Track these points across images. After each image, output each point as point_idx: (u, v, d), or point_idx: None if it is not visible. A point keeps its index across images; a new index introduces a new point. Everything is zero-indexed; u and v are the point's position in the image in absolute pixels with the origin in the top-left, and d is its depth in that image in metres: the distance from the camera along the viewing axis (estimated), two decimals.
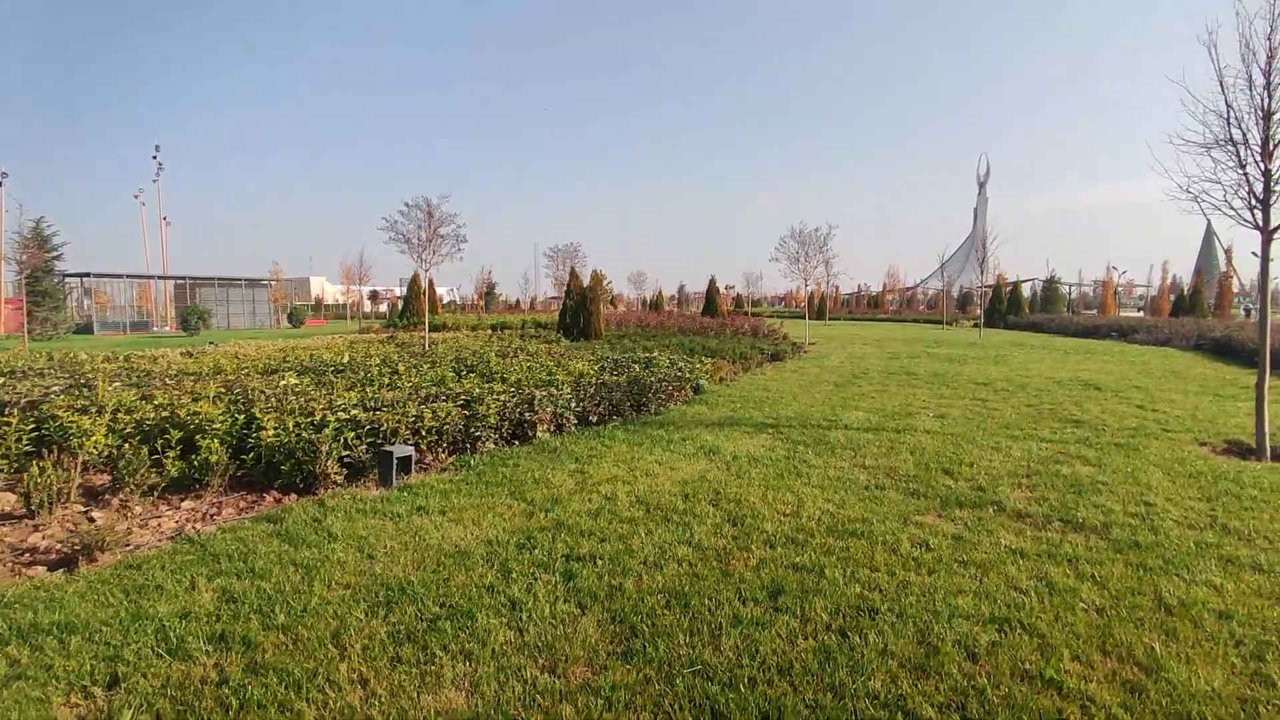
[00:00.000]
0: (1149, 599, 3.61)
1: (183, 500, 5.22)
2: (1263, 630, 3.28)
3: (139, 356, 12.59)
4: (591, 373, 9.83)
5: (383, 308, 67.97)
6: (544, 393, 7.54)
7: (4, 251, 20.29)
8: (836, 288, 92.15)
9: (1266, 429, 6.92)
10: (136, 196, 54.73)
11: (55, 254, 27.50)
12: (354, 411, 6.04)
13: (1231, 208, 7.20)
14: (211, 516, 4.94)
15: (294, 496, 5.35)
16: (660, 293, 59.21)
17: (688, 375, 10.24)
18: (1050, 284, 49.78)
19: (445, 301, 78.12)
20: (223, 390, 7.27)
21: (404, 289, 74.97)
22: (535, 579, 3.74)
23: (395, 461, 5.55)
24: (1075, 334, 29.69)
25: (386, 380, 8.60)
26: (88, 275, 40.78)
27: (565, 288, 24.87)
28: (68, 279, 42.04)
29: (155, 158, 54.99)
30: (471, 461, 6.28)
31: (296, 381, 7.99)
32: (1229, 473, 6.18)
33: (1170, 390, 11.32)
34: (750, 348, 16.88)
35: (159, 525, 4.73)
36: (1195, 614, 3.43)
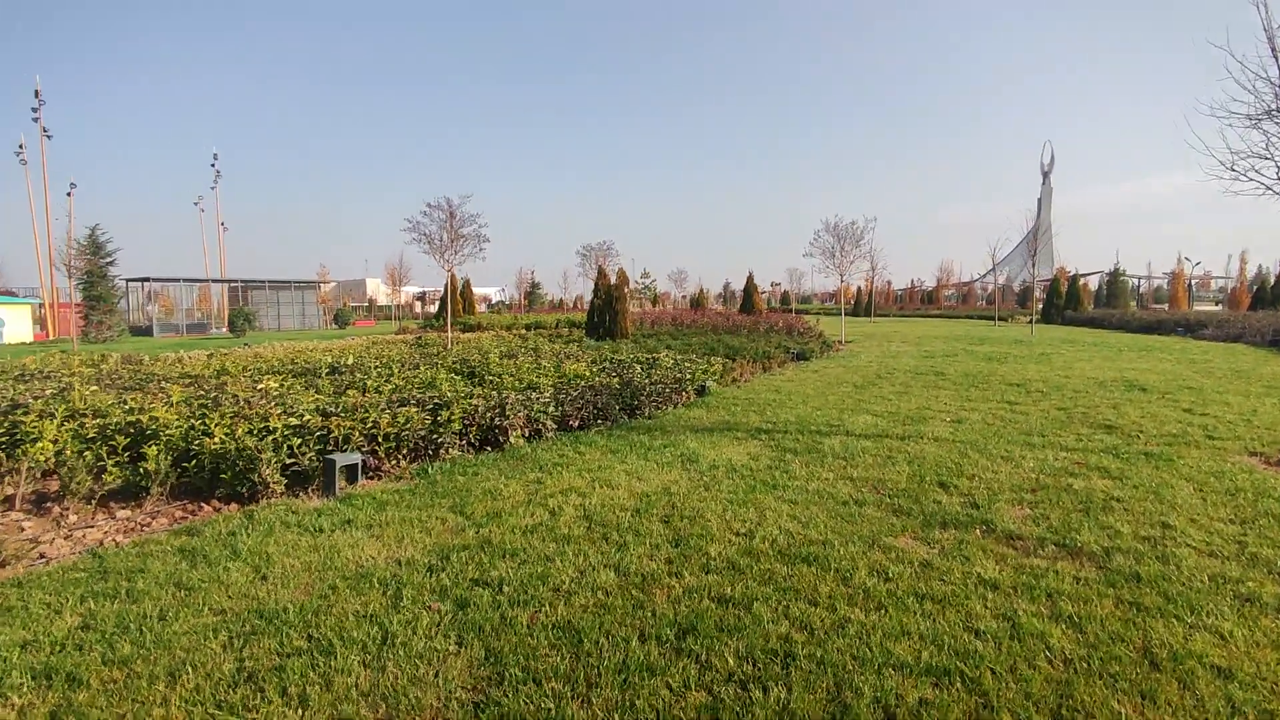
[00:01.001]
0: (1133, 649, 3.03)
1: (121, 509, 5.08)
2: (1270, 696, 2.68)
3: (160, 359, 12.85)
4: (587, 374, 9.48)
5: (432, 308, 69.12)
6: (521, 397, 7.22)
7: (69, 258, 21.15)
8: (888, 283, 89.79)
9: None
10: (196, 203, 57.04)
11: (109, 259, 28.73)
12: (307, 417, 5.82)
13: None
14: (143, 527, 4.77)
15: (234, 506, 5.15)
16: (702, 290, 58.51)
17: (688, 377, 9.77)
18: (1115, 277, 47.16)
19: (495, 302, 79.20)
20: (197, 395, 7.19)
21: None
22: (426, 607, 3.39)
23: (338, 470, 5.30)
24: (1138, 330, 27.92)
25: (373, 383, 8.42)
26: (147, 279, 42.60)
27: (594, 286, 24.62)
28: (129, 283, 44.24)
29: (214, 165, 57.22)
30: (430, 469, 6.00)
31: (277, 385, 7.87)
32: (1276, 489, 5.41)
33: (1228, 392, 10.28)
34: (775, 346, 16.28)
35: (84, 536, 4.58)
36: (1186, 670, 2.84)
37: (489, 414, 6.72)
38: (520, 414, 6.91)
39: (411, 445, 6.18)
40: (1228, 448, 6.88)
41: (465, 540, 4.33)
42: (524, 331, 28.36)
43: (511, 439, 6.85)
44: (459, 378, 9.13)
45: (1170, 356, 15.70)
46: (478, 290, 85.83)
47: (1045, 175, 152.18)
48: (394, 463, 6.09)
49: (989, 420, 8.32)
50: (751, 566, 3.93)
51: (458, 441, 6.46)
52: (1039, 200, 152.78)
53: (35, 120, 42.56)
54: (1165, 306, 49.06)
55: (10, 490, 5.32)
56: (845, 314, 59.85)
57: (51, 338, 33.71)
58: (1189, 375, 12.13)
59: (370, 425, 5.93)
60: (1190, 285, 60.02)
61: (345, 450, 5.68)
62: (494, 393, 7.44)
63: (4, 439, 5.87)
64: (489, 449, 6.80)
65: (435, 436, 6.28)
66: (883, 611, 3.36)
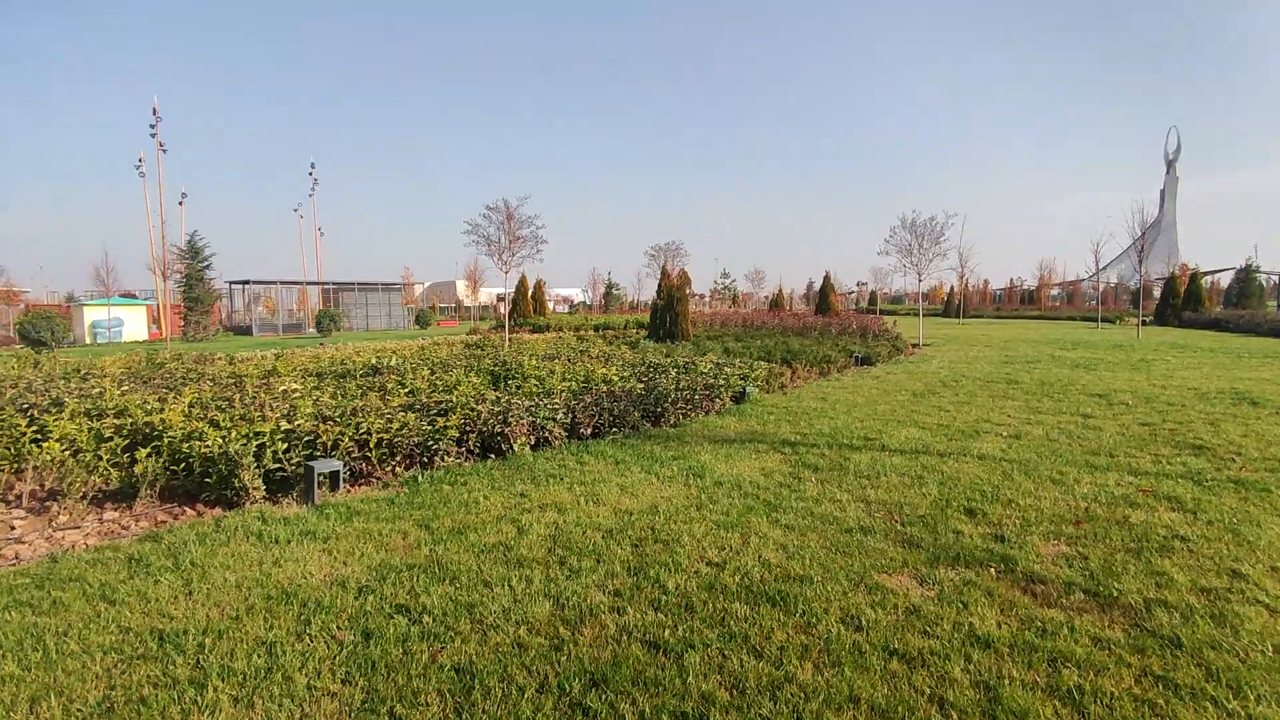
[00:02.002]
0: None
1: (111, 510, 5.15)
2: None
3: (233, 359, 13.50)
4: (616, 378, 9.15)
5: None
6: (529, 403, 6.97)
7: (164, 262, 22.91)
8: (985, 282, 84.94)
9: None
10: (296, 210, 60.70)
11: (205, 263, 30.83)
12: (299, 422, 5.76)
13: None
14: (121, 530, 4.80)
15: (218, 510, 5.13)
16: (780, 291, 56.88)
17: (722, 383, 9.26)
18: (1247, 273, 42.41)
19: (577, 302, 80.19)
20: (218, 396, 7.34)
21: (553, 289, 77.84)
22: (331, 636, 3.14)
23: (317, 477, 5.19)
24: (1269, 333, 24.89)
25: (395, 384, 8.40)
26: (248, 282, 45.61)
27: (657, 287, 24.27)
28: (233, 285, 47.55)
29: (311, 174, 60.77)
30: (421, 478, 5.82)
31: (300, 387, 7.97)
32: None
33: None
34: (839, 350, 15.43)
35: (64, 537, 4.64)
36: None
37: (491, 421, 6.49)
38: (524, 421, 6.65)
39: (406, 452, 6.03)
40: None
41: (415, 559, 4.08)
42: (591, 332, 28.41)
43: (516, 447, 6.60)
44: (485, 381, 9.00)
45: None
46: (561, 291, 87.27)
47: (1169, 164, 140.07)
48: (388, 469, 5.96)
49: (1053, 436, 7.40)
50: (707, 604, 3.47)
51: (455, 449, 6.26)
52: (1161, 192, 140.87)
53: (153, 135, 46.53)
54: None
55: (27, 487, 5.53)
56: (929, 315, 56.96)
57: (163, 336, 36.65)
58: None
59: (363, 431, 5.81)
60: None
61: (334, 456, 5.57)
62: (507, 397, 7.23)
63: (36, 435, 6.13)
64: (493, 456, 6.58)
65: (431, 443, 6.11)
66: (836, 670, 2.84)
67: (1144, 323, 36.02)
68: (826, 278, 34.81)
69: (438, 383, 8.58)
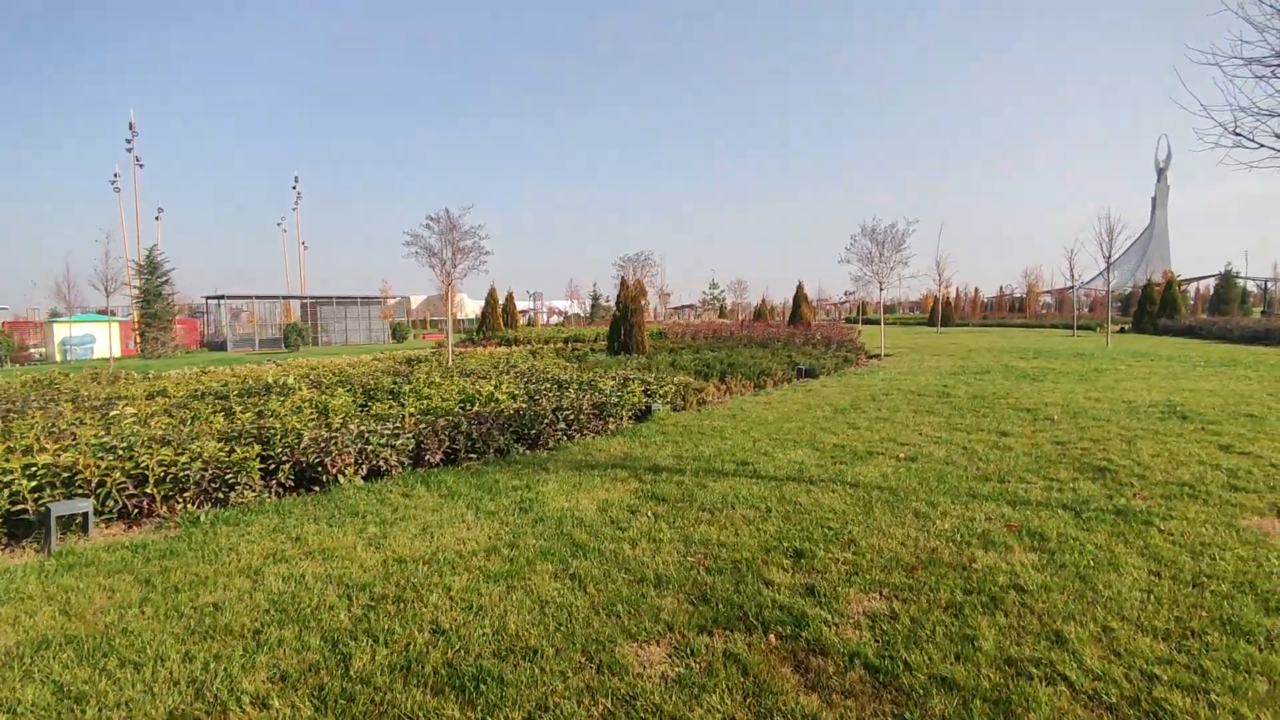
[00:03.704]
0: None
1: None
2: None
3: (154, 377, 12.85)
4: (501, 397, 8.51)
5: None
6: (363, 428, 6.31)
7: (105, 277, 22.22)
8: (976, 289, 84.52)
9: None
10: (279, 224, 60.25)
11: (163, 279, 30.19)
12: (64, 456, 5.10)
13: None
14: None
15: None
16: (764, 302, 56.49)
17: (615, 400, 8.61)
18: (1226, 280, 42.01)
19: (570, 314, 79.37)
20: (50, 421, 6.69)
21: (531, 303, 77.22)
22: None
23: (55, 520, 4.53)
24: (1240, 339, 24.36)
25: (254, 407, 7.75)
26: (223, 297, 44.97)
27: (616, 299, 23.66)
28: (209, 300, 46.93)
29: (294, 187, 60.42)
30: (204, 518, 5.16)
31: (134, 410, 7.31)
32: (1277, 568, 3.80)
33: None
34: (782, 363, 14.82)
35: None
36: None
37: (311, 451, 5.84)
38: (350, 451, 5.99)
39: (202, 487, 5.37)
40: (1248, 504, 5.15)
41: (85, 629, 3.42)
42: (561, 345, 27.80)
43: (343, 479, 5.95)
44: (357, 400, 8.36)
45: (1253, 374, 13.14)
46: (555, 304, 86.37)
47: (1160, 172, 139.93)
48: (179, 506, 5.30)
49: (953, 458, 6.76)
50: (378, 694, 2.81)
51: (260, 482, 5.60)
52: (1153, 199, 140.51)
53: (129, 150, 46.10)
54: None
55: None
56: (915, 324, 56.38)
57: (109, 355, 35.91)
58: (1260, 398, 9.88)
59: (142, 466, 5.15)
60: None
61: (102, 493, 4.92)
62: (339, 421, 6.58)
63: None
64: (317, 489, 5.93)
65: (230, 477, 5.45)
66: None
67: (1122, 330, 35.51)
68: (800, 288, 34.40)
69: (309, 402, 7.92)
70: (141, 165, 47.23)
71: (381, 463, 6.19)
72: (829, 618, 3.43)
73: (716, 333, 27.42)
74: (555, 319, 75.53)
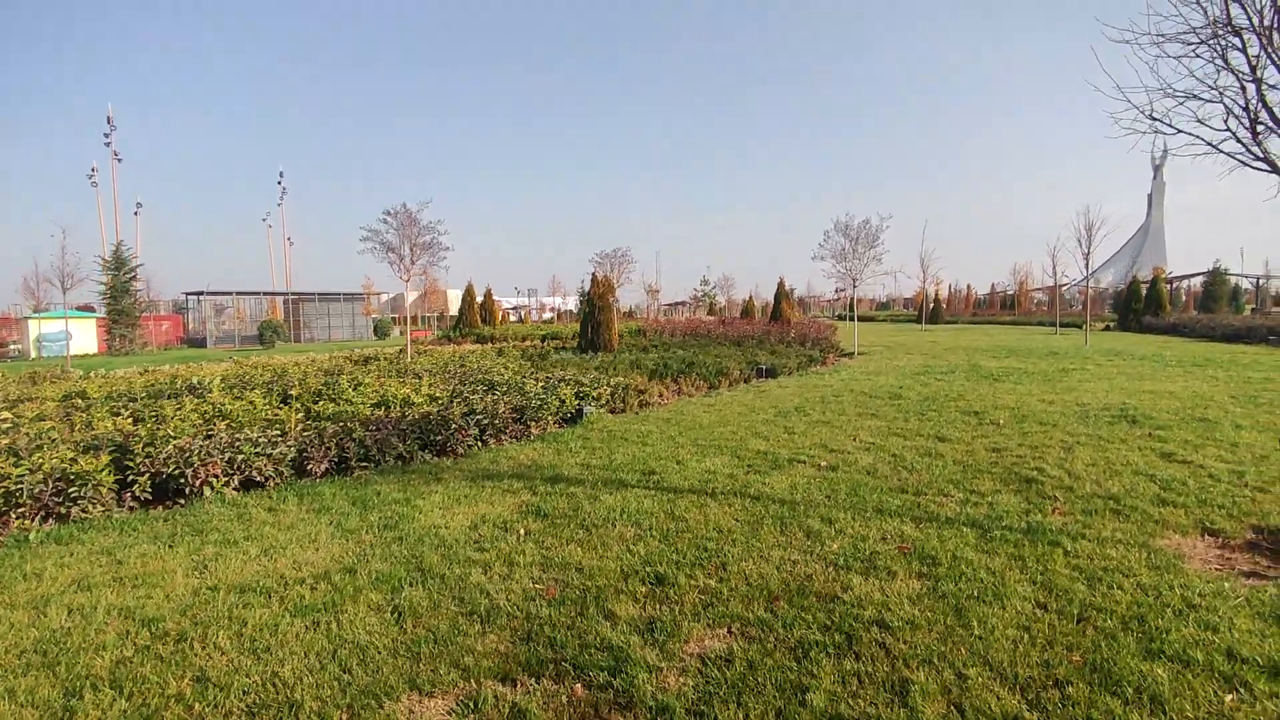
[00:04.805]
0: None
1: None
2: None
3: (95, 377, 12.41)
4: (421, 400, 8.10)
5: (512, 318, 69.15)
6: (235, 435, 5.89)
7: (61, 273, 21.67)
8: (969, 286, 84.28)
9: None
10: (264, 219, 59.72)
11: (130, 274, 29.65)
12: None
13: (1237, 139, 4.28)
14: None
15: None
16: (750, 299, 56.02)
17: (536, 404, 8.18)
18: (1214, 277, 41.62)
19: (564, 310, 78.50)
20: None
21: (526, 299, 76.70)
22: None
23: None
24: (1223, 338, 24.00)
25: (161, 411, 7.32)
26: (202, 293, 44.42)
27: (587, 295, 23.22)
28: (189, 296, 46.39)
29: (279, 182, 59.93)
30: (34, 535, 4.73)
31: (9, 415, 6.87)
32: (1171, 600, 3.38)
33: (1252, 427, 7.74)
34: (741, 362, 14.42)
35: None
36: None
37: (172, 460, 5.41)
38: (217, 461, 5.56)
39: (40, 501, 4.94)
40: (1171, 520, 4.75)
41: None
42: (538, 342, 27.38)
43: (209, 491, 5.52)
44: (272, 403, 7.94)
45: (1222, 374, 12.75)
46: (548, 300, 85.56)
47: (1156, 169, 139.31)
48: (14, 522, 4.87)
49: (876, 467, 6.36)
50: None
51: (108, 496, 5.17)
52: (1149, 196, 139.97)
53: (107, 145, 45.52)
54: None
55: None
56: (906, 321, 56.04)
57: (66, 354, 35.35)
58: (1219, 401, 9.49)
59: None
60: None
61: None
62: (222, 428, 6.15)
63: None
64: (182, 502, 5.50)
65: (75, 490, 5.02)
66: None
67: (1107, 328, 35.16)
68: (781, 285, 33.91)
69: (206, 409, 7.48)
70: (120, 160, 46.82)
71: (255, 473, 5.75)
72: (655, 662, 3.03)
73: (695, 330, 27.01)
74: (548, 315, 74.98)
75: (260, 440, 5.86)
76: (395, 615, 3.53)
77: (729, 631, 3.32)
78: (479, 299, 35.21)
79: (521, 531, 4.77)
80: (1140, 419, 8.21)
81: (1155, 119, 4.36)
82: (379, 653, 3.14)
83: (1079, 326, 36.39)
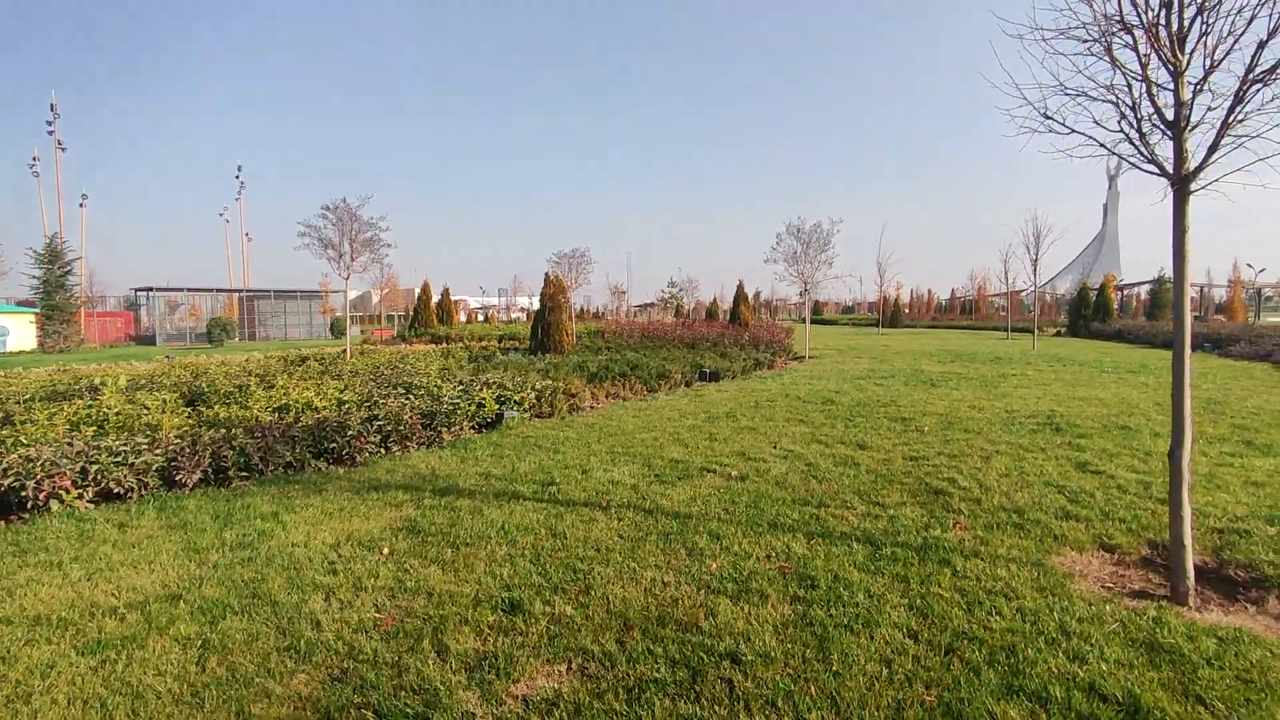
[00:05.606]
0: None
1: None
2: None
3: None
4: (325, 404, 7.66)
5: (461, 317, 68.00)
6: (89, 445, 5.42)
7: None
8: (930, 291, 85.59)
9: (1187, 525, 3.73)
10: (221, 214, 58.07)
11: (66, 269, 28.38)
12: None
13: (1130, 142, 4.10)
14: None
15: None
16: (715, 301, 55.94)
17: (448, 409, 7.80)
18: (1159, 285, 42.70)
19: (533, 310, 77.39)
20: None
21: (496, 297, 75.79)
22: None
23: None
24: (1163, 344, 24.47)
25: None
26: (151, 289, 42.87)
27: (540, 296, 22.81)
28: (138, 292, 44.75)
29: (238, 177, 58.37)
30: None
31: None
32: (1046, 626, 3.16)
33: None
34: (682, 365, 14.18)
35: None
36: None
37: (11, 471, 4.93)
38: (68, 471, 5.09)
39: None
40: (1071, 535, 4.58)
41: None
42: (493, 343, 26.91)
43: (56, 505, 5.05)
44: (186, 405, 7.45)
45: (1153, 381, 12.88)
46: (521, 301, 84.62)
47: (1111, 179, 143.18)
48: None
49: (787, 476, 6.12)
50: None
51: None
52: (1105, 205, 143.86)
53: (50, 134, 43.74)
54: (1222, 318, 44.37)
55: None
56: (864, 324, 56.53)
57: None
58: (1144, 408, 9.49)
59: None
60: (1258, 295, 54.44)
61: None
62: (90, 433, 5.68)
63: None
64: (25, 517, 5.02)
65: None
66: None
67: (1058, 333, 35.85)
68: (740, 287, 33.91)
69: (88, 413, 6.96)
70: (64, 149, 45.01)
71: (114, 484, 5.29)
72: (472, 707, 2.71)
73: (653, 332, 26.76)
74: (516, 315, 74.11)
75: (120, 449, 5.39)
76: (203, 650, 3.16)
77: (568, 668, 3.01)
78: (435, 298, 34.49)
79: (385, 551, 4.41)
80: (1064, 427, 8.12)
81: (1049, 117, 4.17)
82: (158, 700, 2.76)
83: (1031, 331, 37.04)
